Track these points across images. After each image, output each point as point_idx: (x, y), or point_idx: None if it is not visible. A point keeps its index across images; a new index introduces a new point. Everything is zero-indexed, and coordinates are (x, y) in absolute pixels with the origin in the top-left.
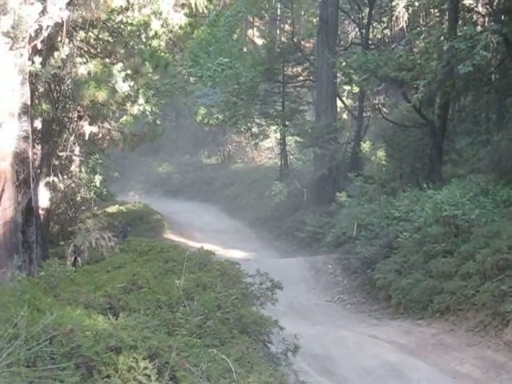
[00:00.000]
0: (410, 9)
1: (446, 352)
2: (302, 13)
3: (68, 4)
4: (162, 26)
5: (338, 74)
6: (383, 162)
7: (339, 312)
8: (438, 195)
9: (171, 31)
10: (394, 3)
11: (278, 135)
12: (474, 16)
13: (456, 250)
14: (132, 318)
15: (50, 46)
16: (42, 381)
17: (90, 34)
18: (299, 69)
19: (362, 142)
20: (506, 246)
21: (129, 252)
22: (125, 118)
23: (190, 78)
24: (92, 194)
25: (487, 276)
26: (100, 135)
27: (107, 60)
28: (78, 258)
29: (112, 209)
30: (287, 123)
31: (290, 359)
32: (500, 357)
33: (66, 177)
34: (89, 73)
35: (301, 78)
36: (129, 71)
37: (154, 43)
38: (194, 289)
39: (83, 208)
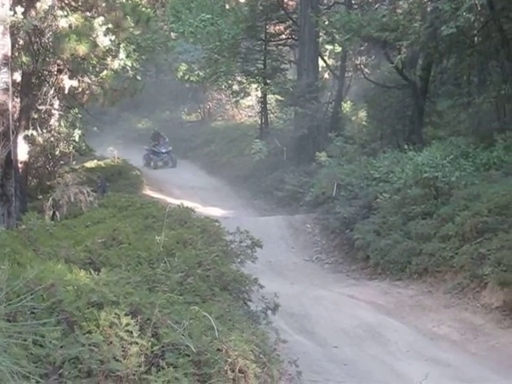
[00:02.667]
0: None
1: (423, 313)
2: None
3: None
4: None
5: (321, 33)
6: (364, 123)
7: (317, 271)
8: (418, 157)
9: None
10: None
11: (259, 93)
12: None
13: (435, 211)
14: (114, 273)
15: None
16: (22, 335)
17: None
18: (282, 27)
19: (343, 102)
20: (485, 209)
21: (108, 207)
22: (105, 72)
23: (172, 34)
24: (71, 148)
25: (466, 238)
26: (80, 89)
27: (88, 13)
28: (57, 213)
29: (91, 164)
30: (268, 81)
31: (269, 317)
32: (477, 319)
33: (44, 130)
34: (70, 26)
35: (283, 36)
36: (110, 25)
37: None
38: (175, 245)
39: (62, 162)
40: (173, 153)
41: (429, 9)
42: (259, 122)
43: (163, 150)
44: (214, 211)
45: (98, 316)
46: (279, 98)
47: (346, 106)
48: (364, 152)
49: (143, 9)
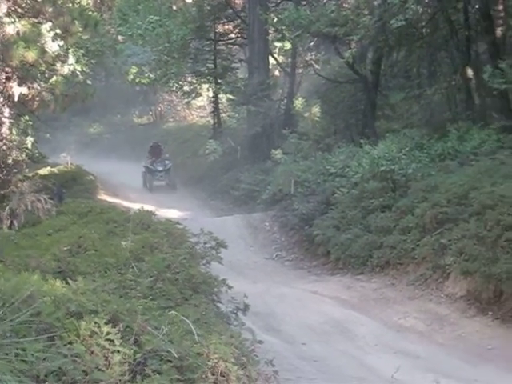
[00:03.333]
0: None
1: (388, 306)
2: None
3: None
4: None
5: (270, 31)
6: (317, 119)
7: (278, 269)
8: (374, 150)
9: None
10: None
11: (211, 93)
12: None
13: (394, 204)
14: (88, 281)
15: None
16: (3, 349)
17: None
18: (230, 26)
19: (294, 99)
20: (444, 200)
21: (68, 214)
22: (55, 78)
23: (119, 37)
24: (24, 156)
25: (426, 230)
26: (30, 96)
27: (36, 19)
28: (14, 222)
29: (44, 171)
30: (220, 81)
31: (240, 318)
32: (442, 309)
33: None
34: (17, 33)
35: (232, 35)
36: (58, 30)
37: (83, 1)
38: (141, 250)
39: (15, 171)
40: (172, 171)
41: (376, 2)
42: (212, 122)
43: (159, 168)
44: (171, 213)
45: (78, 326)
46: (231, 97)
47: (298, 102)
48: (319, 148)
49: (90, 13)
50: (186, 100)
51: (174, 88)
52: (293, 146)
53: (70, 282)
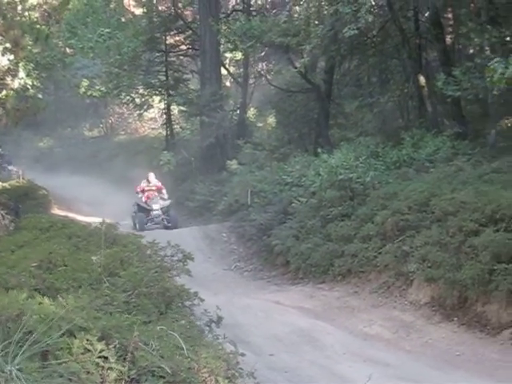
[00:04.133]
0: None
1: (352, 314)
2: None
3: None
4: None
5: (222, 42)
6: (271, 129)
7: (237, 280)
8: (332, 159)
9: (46, 2)
10: None
11: (162, 105)
12: None
13: (353, 212)
14: (75, 298)
15: None
16: None
17: None
18: (181, 37)
19: (247, 109)
20: (405, 207)
21: (28, 229)
22: (4, 92)
23: (68, 50)
24: None
25: (388, 237)
26: None
27: None
28: None
29: None
30: (171, 93)
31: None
32: (407, 316)
33: None
34: None
35: (183, 46)
36: (8, 44)
37: (31, 15)
38: (112, 264)
39: None
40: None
41: (325, 12)
42: (164, 133)
43: (155, 207)
44: (127, 227)
45: (71, 344)
46: (183, 108)
47: (251, 112)
48: (274, 157)
49: (39, 26)
50: (138, 112)
51: (126, 100)
52: (248, 156)
53: (60, 299)
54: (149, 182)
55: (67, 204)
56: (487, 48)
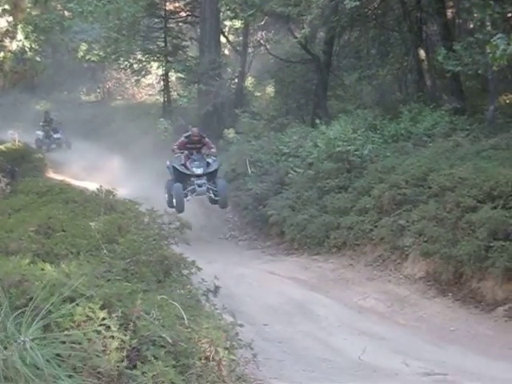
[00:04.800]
0: None
1: (347, 287)
2: None
3: None
4: None
5: (222, 9)
6: (270, 98)
7: (232, 249)
8: (330, 131)
9: None
10: None
11: (160, 71)
12: None
13: (350, 185)
14: (77, 265)
15: None
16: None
17: None
18: (181, 4)
19: (246, 79)
20: (402, 181)
21: (24, 193)
22: (2, 54)
23: (66, 13)
24: None
25: (384, 211)
26: None
27: None
28: None
29: None
30: (170, 59)
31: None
32: (402, 290)
33: None
34: None
35: (183, 13)
36: (7, 6)
37: None
38: (110, 231)
39: None
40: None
41: None
42: (161, 100)
43: (197, 171)
44: (123, 192)
45: (73, 312)
46: (181, 75)
47: (249, 81)
48: (272, 128)
49: None
50: (136, 78)
51: (124, 66)
52: (245, 125)
53: (62, 266)
54: (191, 137)
55: (63, 168)
56: (488, 23)
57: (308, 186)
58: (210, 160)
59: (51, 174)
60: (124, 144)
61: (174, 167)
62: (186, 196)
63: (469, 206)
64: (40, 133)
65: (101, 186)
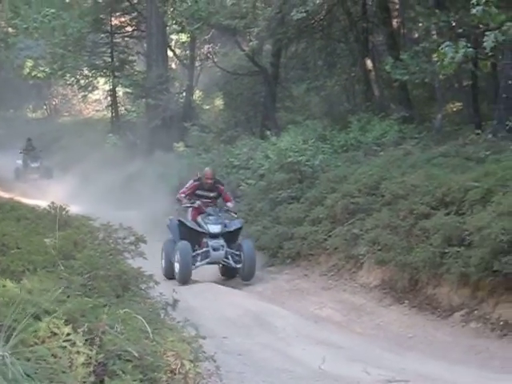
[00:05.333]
0: None
1: (302, 297)
2: None
3: None
4: None
5: (168, 24)
6: (217, 111)
7: None
8: (281, 142)
9: None
10: None
11: (107, 87)
12: None
13: (302, 195)
14: (38, 281)
15: None
16: None
17: None
18: (127, 19)
19: (194, 92)
20: (355, 190)
21: None
22: None
23: (10, 30)
24: None
25: (337, 220)
26: None
27: None
28: None
29: None
30: (117, 74)
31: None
32: (358, 299)
33: None
34: None
35: (129, 28)
36: None
37: None
38: (66, 247)
39: None
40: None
41: None
42: (109, 115)
43: (214, 229)
44: (74, 209)
45: (37, 327)
46: (128, 90)
47: (197, 95)
48: (221, 140)
49: None
50: (82, 94)
51: (71, 82)
52: (195, 138)
53: (24, 281)
54: (202, 180)
55: (9, 185)
56: (434, 32)
57: (260, 198)
58: (226, 218)
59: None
60: (73, 160)
61: (180, 223)
62: (195, 263)
63: (422, 212)
64: (19, 162)
65: (52, 203)
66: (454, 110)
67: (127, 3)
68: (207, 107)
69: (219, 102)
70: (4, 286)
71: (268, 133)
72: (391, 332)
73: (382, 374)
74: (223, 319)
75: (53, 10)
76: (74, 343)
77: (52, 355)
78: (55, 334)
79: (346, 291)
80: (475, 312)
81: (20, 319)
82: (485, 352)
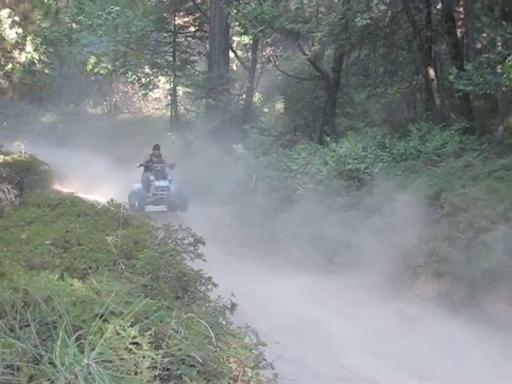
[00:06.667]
0: None
1: (357, 306)
2: None
3: None
4: None
5: (231, 25)
6: (278, 115)
7: (239, 265)
8: (341, 149)
9: None
10: None
11: (168, 86)
12: None
13: (360, 203)
14: (106, 281)
15: None
16: (30, 353)
17: None
18: (191, 19)
19: (254, 94)
20: (414, 200)
21: (36, 205)
22: (10, 65)
23: (74, 26)
24: None
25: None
26: None
27: None
28: None
29: None
30: (178, 74)
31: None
32: (414, 310)
33: None
34: None
35: (192, 28)
36: (17, 18)
37: None
38: (127, 246)
39: None
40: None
41: (339, 1)
42: (168, 114)
43: (161, 183)
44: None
45: (104, 329)
46: (189, 90)
47: (257, 97)
48: (280, 144)
49: (50, 1)
50: (143, 92)
51: (132, 79)
52: (254, 141)
53: (93, 282)
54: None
55: (69, 180)
56: (499, 44)
57: (317, 203)
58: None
59: (58, 187)
60: (132, 158)
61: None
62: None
63: (483, 226)
64: (137, 185)
65: (111, 200)
66: None
67: (191, 3)
68: (267, 110)
69: (279, 106)
70: (71, 285)
71: (327, 138)
72: (447, 345)
73: None
74: (275, 324)
75: (117, 8)
76: (140, 346)
77: (118, 358)
78: (122, 336)
79: (402, 301)
80: None
81: (88, 320)
82: None
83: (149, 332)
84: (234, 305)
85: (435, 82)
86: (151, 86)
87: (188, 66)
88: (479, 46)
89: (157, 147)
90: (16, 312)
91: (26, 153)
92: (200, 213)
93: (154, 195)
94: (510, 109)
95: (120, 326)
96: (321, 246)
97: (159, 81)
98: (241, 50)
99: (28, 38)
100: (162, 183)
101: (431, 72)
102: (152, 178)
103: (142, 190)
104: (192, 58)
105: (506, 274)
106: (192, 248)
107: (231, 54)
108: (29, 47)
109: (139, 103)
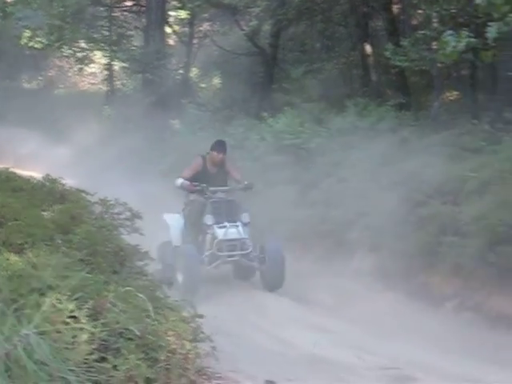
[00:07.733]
0: None
1: (296, 280)
2: None
3: None
4: None
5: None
6: (215, 90)
7: None
8: (277, 124)
9: None
10: None
11: (104, 60)
12: None
13: (297, 178)
14: (43, 255)
15: None
16: None
17: None
18: None
19: (191, 69)
20: (351, 175)
21: None
22: None
23: None
24: None
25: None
26: None
27: None
28: None
29: None
30: (114, 48)
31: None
32: (350, 284)
33: None
34: None
35: (128, 2)
36: None
37: None
38: (64, 221)
39: None
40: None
41: None
42: (104, 89)
43: (231, 235)
44: (70, 182)
45: (41, 303)
46: (125, 65)
47: (194, 72)
48: (217, 119)
49: None
50: (79, 66)
51: (67, 54)
52: (191, 116)
53: (30, 256)
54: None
55: (4, 155)
56: (435, 20)
57: (254, 179)
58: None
59: None
60: (67, 133)
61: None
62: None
63: (418, 200)
64: (174, 222)
65: (47, 175)
66: (451, 98)
67: None
68: (204, 85)
69: (216, 81)
70: (7, 259)
71: (264, 114)
72: (383, 319)
73: (374, 360)
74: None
75: None
76: (78, 319)
77: (56, 331)
78: (59, 309)
79: (337, 276)
80: (467, 302)
81: (26, 294)
82: (476, 342)
83: (86, 305)
84: (170, 278)
85: (372, 57)
86: (87, 61)
87: (124, 41)
88: (415, 22)
89: (221, 146)
90: None
91: None
92: (138, 189)
93: (214, 256)
94: (445, 85)
95: (57, 299)
96: (256, 221)
97: (95, 55)
98: (178, 24)
99: None
100: (233, 234)
101: (368, 48)
102: (210, 219)
103: (190, 242)
104: (128, 32)
105: (440, 248)
106: (129, 222)
107: (168, 29)
108: None
109: (75, 78)
